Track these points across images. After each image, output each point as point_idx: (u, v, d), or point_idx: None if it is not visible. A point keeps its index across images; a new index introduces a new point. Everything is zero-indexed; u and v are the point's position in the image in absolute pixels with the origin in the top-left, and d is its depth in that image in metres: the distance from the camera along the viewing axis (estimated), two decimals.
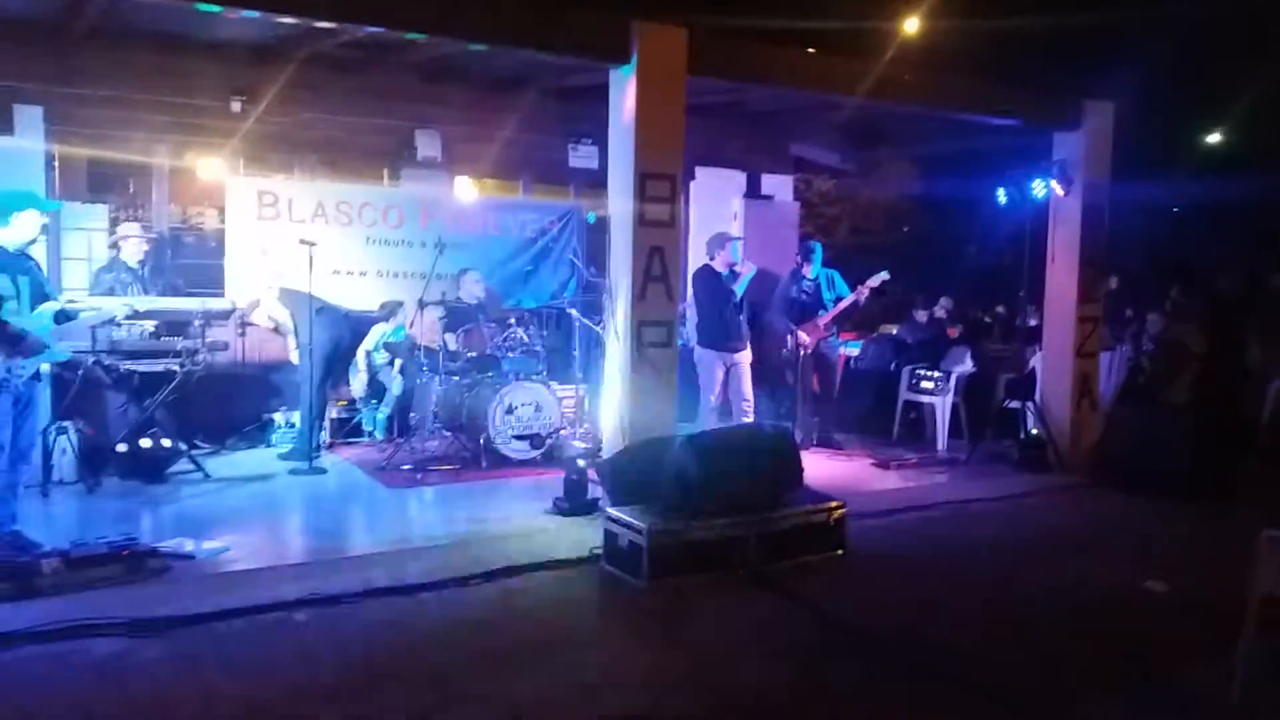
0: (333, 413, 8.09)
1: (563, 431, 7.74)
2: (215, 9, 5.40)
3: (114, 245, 7.47)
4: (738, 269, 7.67)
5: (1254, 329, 8.88)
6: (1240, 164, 12.16)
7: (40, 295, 5.03)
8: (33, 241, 5.08)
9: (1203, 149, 13.33)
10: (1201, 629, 4.50)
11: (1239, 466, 7.19)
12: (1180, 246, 12.14)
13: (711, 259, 7.80)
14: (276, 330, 7.58)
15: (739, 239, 8.24)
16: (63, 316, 5.14)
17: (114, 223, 8.15)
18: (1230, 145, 13.28)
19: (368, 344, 8.15)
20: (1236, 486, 6.90)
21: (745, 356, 7.76)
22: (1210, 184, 11.68)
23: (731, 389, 7.74)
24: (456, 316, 8.03)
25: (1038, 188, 7.83)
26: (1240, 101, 11.81)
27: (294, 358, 7.45)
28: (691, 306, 8.30)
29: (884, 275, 8.20)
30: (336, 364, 7.61)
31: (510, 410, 7.36)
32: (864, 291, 8.21)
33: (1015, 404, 8.14)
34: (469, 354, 7.80)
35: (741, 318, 7.76)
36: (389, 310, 8.23)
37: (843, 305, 8.28)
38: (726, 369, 7.69)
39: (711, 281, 7.72)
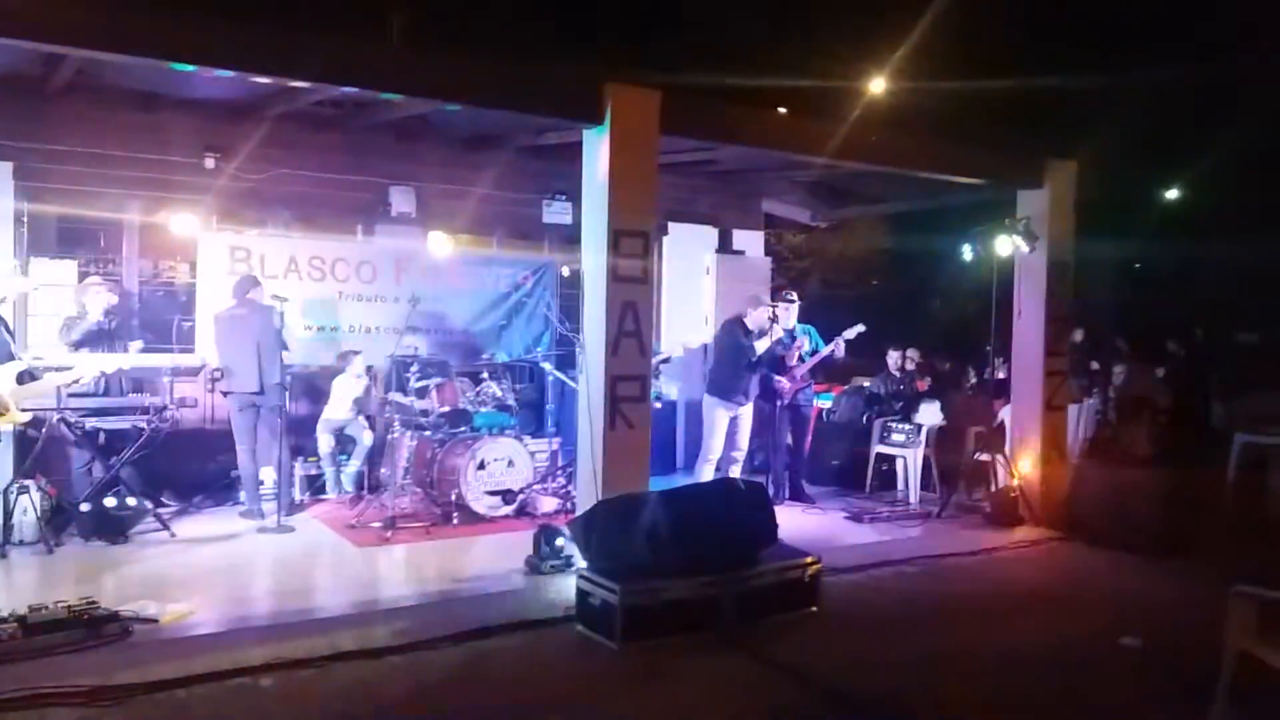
0: (301, 470, 7.97)
1: (535, 487, 7.70)
2: (189, 68, 5.42)
3: (80, 303, 7.37)
4: (772, 330, 7.88)
5: (1215, 386, 9.03)
6: (1201, 224, 12.48)
7: (5, 355, 4.97)
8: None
9: (1164, 208, 13.67)
10: (1177, 685, 4.50)
11: (1205, 521, 7.25)
12: (1143, 303, 12.37)
13: (745, 315, 8.01)
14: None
15: (793, 302, 8.49)
16: (26, 377, 5.07)
17: (82, 278, 8.08)
18: (1191, 205, 13.63)
19: (334, 404, 8.04)
20: (1204, 541, 6.95)
21: (749, 410, 8.00)
22: (1172, 242, 11.97)
23: (728, 439, 7.91)
24: (428, 371, 8.00)
25: (1003, 244, 7.96)
26: (1200, 163, 12.14)
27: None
28: (711, 354, 8.48)
29: (859, 328, 8.29)
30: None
31: (482, 465, 7.31)
32: (840, 344, 8.29)
33: (985, 456, 8.19)
34: (441, 409, 7.76)
35: (755, 375, 7.96)
36: (346, 360, 8.13)
37: (819, 357, 8.34)
38: (730, 419, 7.87)
39: (735, 334, 7.94)
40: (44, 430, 6.15)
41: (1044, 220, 8.07)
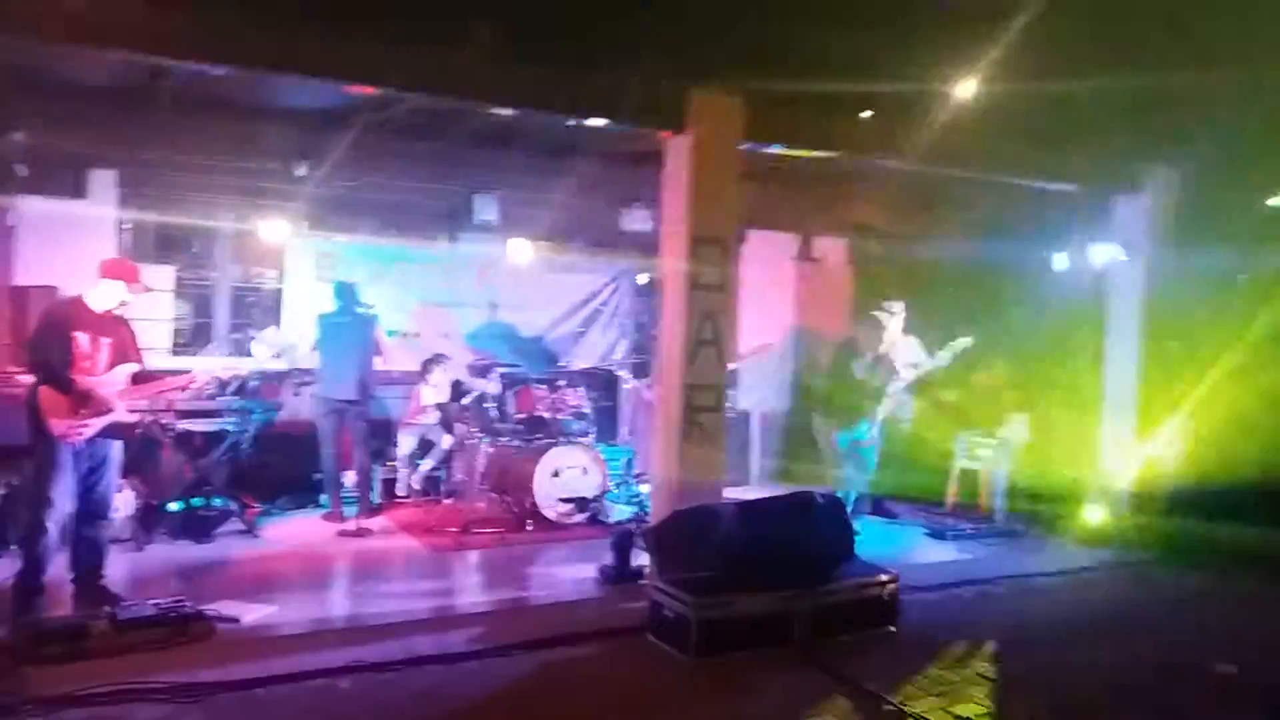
0: (381, 474, 8.10)
1: (608, 495, 7.69)
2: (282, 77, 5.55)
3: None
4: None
5: None
6: None
7: (122, 358, 5.15)
8: (122, 304, 5.21)
9: (1270, 216, 13.02)
10: (1273, 713, 4.26)
11: None
12: (1246, 315, 11.80)
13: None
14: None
15: (895, 314, 8.03)
16: (141, 379, 5.26)
17: (178, 284, 8.37)
18: None
19: (417, 408, 8.15)
20: None
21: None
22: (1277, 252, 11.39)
23: None
24: (508, 378, 8.06)
25: (1099, 253, 7.67)
26: None
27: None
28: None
29: (966, 341, 7.84)
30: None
31: (557, 473, 7.32)
32: (945, 358, 7.87)
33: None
34: (518, 415, 7.80)
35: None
36: (431, 367, 8.23)
37: (924, 370, 7.95)
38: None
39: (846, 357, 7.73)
40: (138, 431, 6.35)
41: (1142, 229, 7.77)
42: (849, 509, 7.11)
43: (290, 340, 7.38)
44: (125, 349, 5.20)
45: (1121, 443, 7.80)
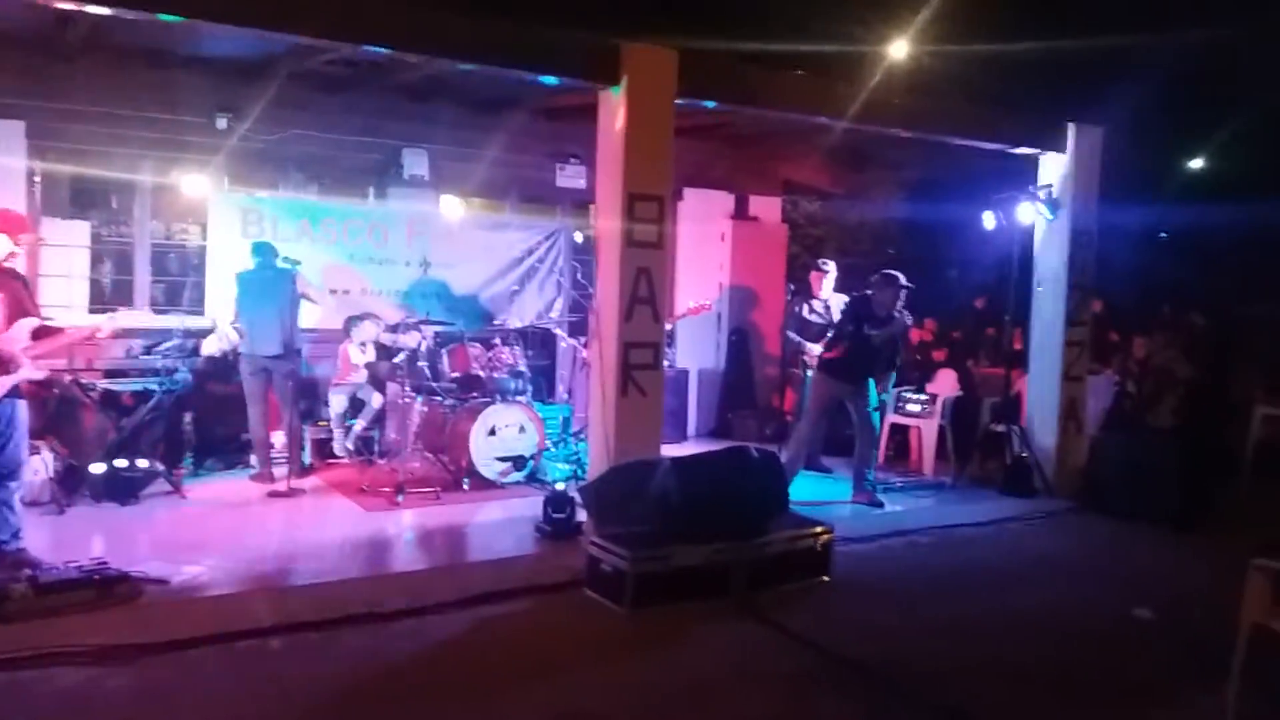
0: (311, 434, 7.96)
1: (546, 454, 7.67)
2: (184, 20, 5.31)
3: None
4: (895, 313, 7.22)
5: (1233, 357, 8.91)
6: (1226, 191, 12.23)
7: (19, 312, 4.95)
8: (11, 256, 4.99)
9: (1189, 175, 13.42)
10: (1190, 657, 4.46)
11: (1224, 493, 7.17)
12: (1166, 273, 12.20)
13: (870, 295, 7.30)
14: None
15: (827, 271, 8.21)
16: (42, 332, 5.05)
17: (95, 239, 8.08)
18: (1216, 172, 13.37)
19: (344, 368, 8.01)
20: (1222, 512, 6.88)
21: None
22: (1197, 210, 11.77)
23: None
24: (442, 336, 7.96)
25: (1024, 212, 7.83)
26: (1227, 128, 11.88)
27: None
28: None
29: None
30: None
31: (493, 432, 7.28)
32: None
33: (1001, 428, 8.11)
34: (453, 374, 7.72)
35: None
36: (355, 324, 8.07)
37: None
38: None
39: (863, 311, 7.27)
40: (55, 391, 6.14)
41: (1067, 187, 7.94)
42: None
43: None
44: (21, 303, 4.98)
45: (1046, 395, 8.01)
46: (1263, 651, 3.67)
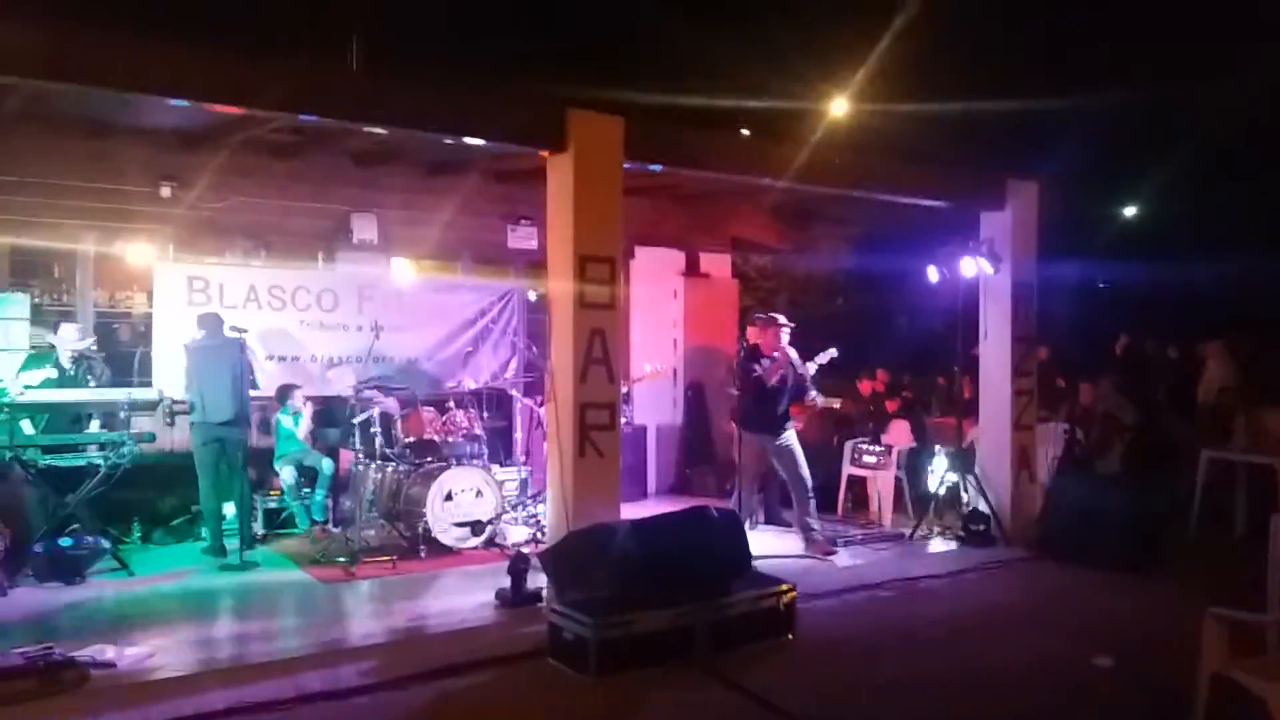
0: (261, 505, 7.79)
1: (504, 517, 7.59)
2: (140, 97, 5.31)
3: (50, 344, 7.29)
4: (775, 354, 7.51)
5: (1171, 403, 9.14)
6: (1158, 241, 12.71)
7: None
8: None
9: (1123, 227, 13.90)
10: (1150, 705, 4.50)
11: (1175, 537, 7.30)
12: (1106, 321, 12.55)
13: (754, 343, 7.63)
14: None
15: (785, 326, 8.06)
16: None
17: (35, 310, 7.91)
18: (1148, 223, 13.88)
19: (283, 439, 7.91)
20: (1174, 557, 6.99)
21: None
22: (1133, 261, 12.18)
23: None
24: (395, 401, 7.87)
25: (967, 266, 8.00)
26: (1157, 180, 12.38)
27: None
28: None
29: (832, 352, 8.07)
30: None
31: (449, 497, 7.19)
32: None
33: (954, 477, 8.20)
34: (407, 439, 7.63)
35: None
36: (281, 395, 7.98)
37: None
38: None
39: (752, 356, 7.56)
40: None
41: (1006, 241, 8.14)
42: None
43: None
44: None
45: (998, 445, 8.13)
46: (1220, 701, 3.72)
